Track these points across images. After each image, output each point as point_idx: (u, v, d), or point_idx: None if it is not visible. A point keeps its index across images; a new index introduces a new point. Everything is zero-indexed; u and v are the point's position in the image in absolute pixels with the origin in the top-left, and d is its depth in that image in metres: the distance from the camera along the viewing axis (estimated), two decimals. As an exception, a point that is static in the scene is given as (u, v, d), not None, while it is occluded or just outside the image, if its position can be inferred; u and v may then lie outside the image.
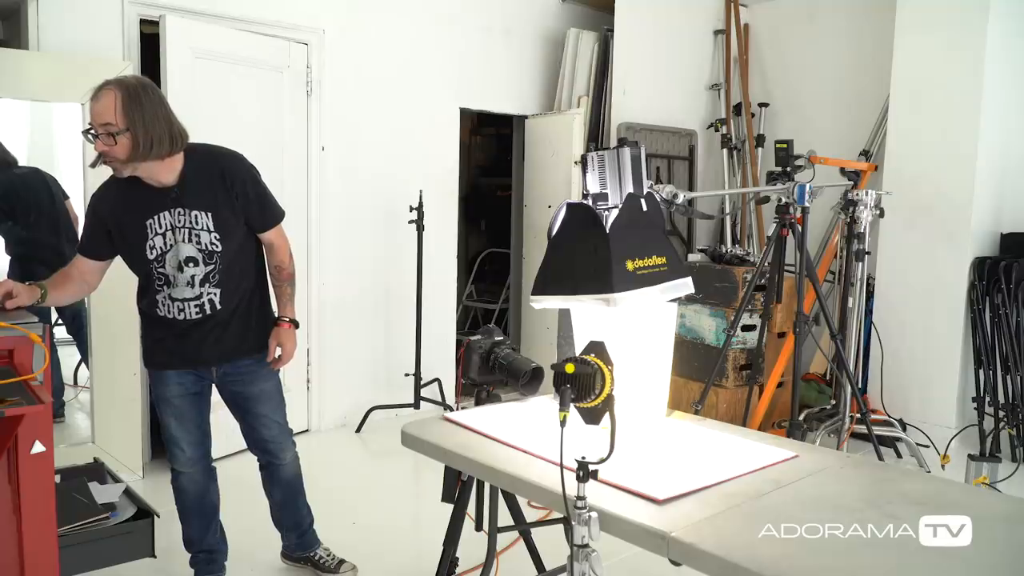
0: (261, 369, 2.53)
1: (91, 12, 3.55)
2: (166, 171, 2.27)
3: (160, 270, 2.33)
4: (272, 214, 2.47)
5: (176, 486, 2.64)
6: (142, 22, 3.71)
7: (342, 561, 2.83)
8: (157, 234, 2.30)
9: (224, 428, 3.97)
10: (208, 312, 2.37)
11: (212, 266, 2.34)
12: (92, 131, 2.18)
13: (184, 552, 2.76)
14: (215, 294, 2.37)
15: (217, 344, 2.43)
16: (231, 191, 2.35)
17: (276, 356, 2.52)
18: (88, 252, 2.38)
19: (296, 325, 2.55)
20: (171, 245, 2.31)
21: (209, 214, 2.32)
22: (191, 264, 2.32)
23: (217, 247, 2.34)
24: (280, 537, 2.88)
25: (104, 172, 2.33)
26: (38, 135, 4.02)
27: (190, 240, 2.31)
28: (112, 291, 3.51)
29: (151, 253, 2.31)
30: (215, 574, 2.71)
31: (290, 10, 4.17)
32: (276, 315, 2.54)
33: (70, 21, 3.49)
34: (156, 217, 2.29)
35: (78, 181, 3.54)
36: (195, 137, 3.76)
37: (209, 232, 2.32)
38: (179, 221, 2.30)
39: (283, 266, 2.53)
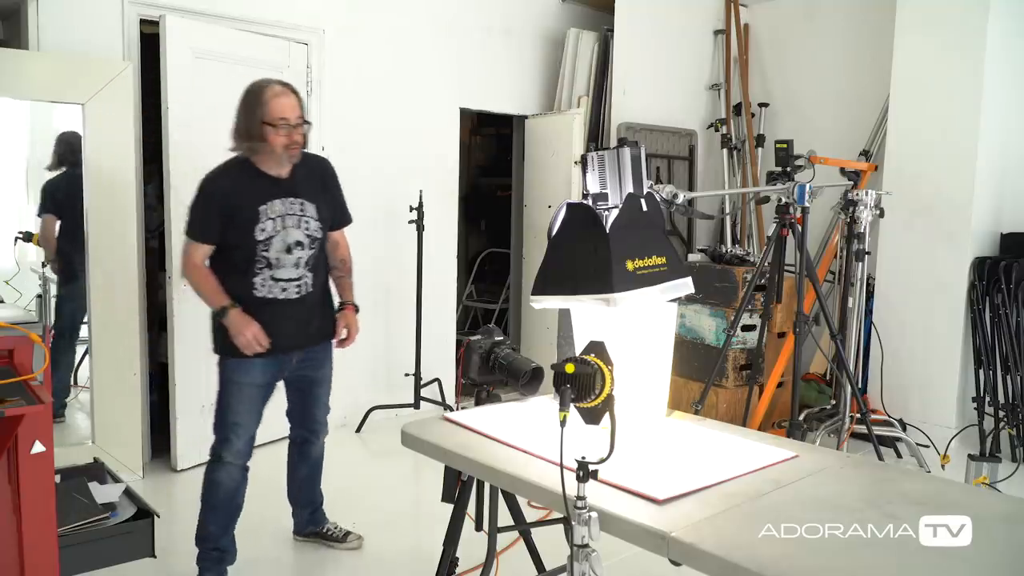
0: (326, 354, 2.79)
1: (91, 12, 3.55)
2: (287, 164, 2.55)
3: (264, 252, 2.53)
4: (347, 215, 2.83)
5: (211, 478, 2.65)
6: (142, 22, 3.71)
7: (348, 532, 2.99)
8: (268, 219, 2.52)
9: (224, 428, 3.97)
10: (303, 293, 2.61)
11: (311, 251, 2.60)
12: (291, 122, 2.47)
13: (185, 552, 2.76)
14: (309, 278, 2.62)
15: (306, 328, 2.66)
16: (327, 189, 2.69)
17: (344, 336, 2.76)
18: (209, 238, 2.54)
19: (357, 310, 2.81)
20: (279, 230, 2.53)
21: (314, 205, 2.61)
22: (298, 248, 2.56)
23: (318, 235, 2.62)
24: (292, 515, 2.99)
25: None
26: (38, 135, 4.02)
27: (299, 226, 2.56)
28: (112, 290, 3.53)
29: (260, 235, 2.51)
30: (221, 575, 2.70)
31: (290, 10, 4.17)
32: (341, 300, 2.80)
33: (70, 21, 3.49)
34: (269, 203, 2.52)
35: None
36: (195, 136, 3.77)
37: (315, 220, 2.61)
38: (290, 209, 2.55)
39: (347, 260, 2.84)
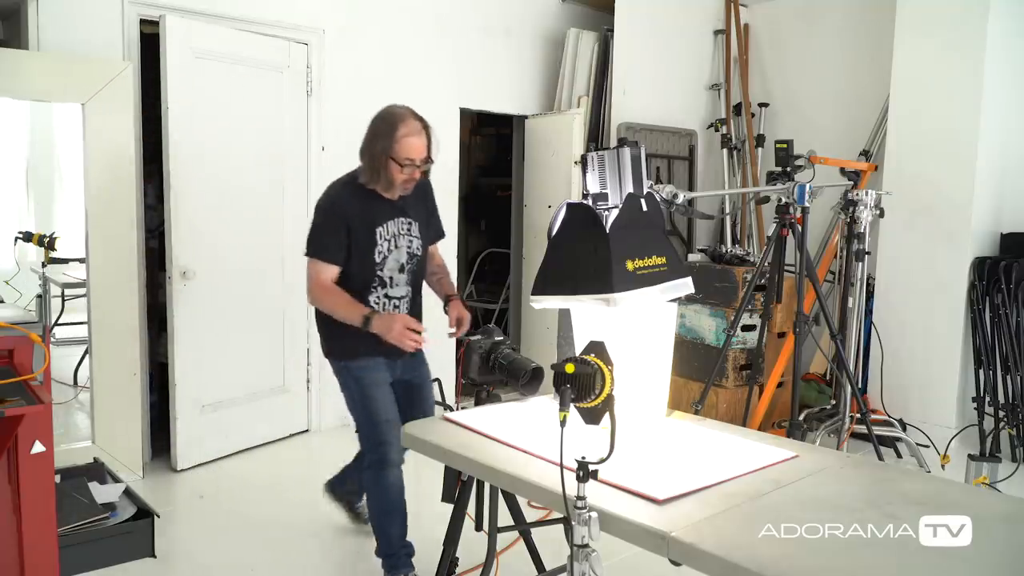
0: (420, 357, 2.80)
1: (91, 12, 3.54)
2: (400, 193, 2.60)
3: (379, 273, 2.58)
4: (442, 230, 2.87)
5: (383, 486, 2.58)
6: (142, 22, 3.71)
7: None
8: (384, 239, 2.57)
9: (224, 428, 3.98)
10: (408, 308, 2.67)
11: (412, 266, 2.65)
12: (416, 163, 2.50)
13: (185, 552, 2.76)
14: (410, 291, 2.68)
15: None
16: (426, 205, 2.73)
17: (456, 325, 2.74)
18: (338, 259, 2.52)
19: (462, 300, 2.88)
20: (392, 250, 2.59)
21: (417, 224, 2.66)
22: (406, 266, 2.63)
23: (419, 252, 2.67)
24: (336, 474, 3.02)
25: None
26: (38, 135, 4.02)
27: (407, 245, 2.63)
28: (112, 290, 3.53)
29: (378, 256, 2.56)
30: (412, 568, 2.66)
31: (290, 10, 4.17)
32: (446, 294, 2.80)
33: (70, 21, 3.49)
34: (384, 225, 2.57)
35: (78, 181, 3.53)
36: (196, 136, 3.77)
37: (418, 238, 2.66)
38: (400, 228, 2.61)
39: (443, 264, 2.90)
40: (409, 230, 2.63)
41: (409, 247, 2.63)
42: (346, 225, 2.50)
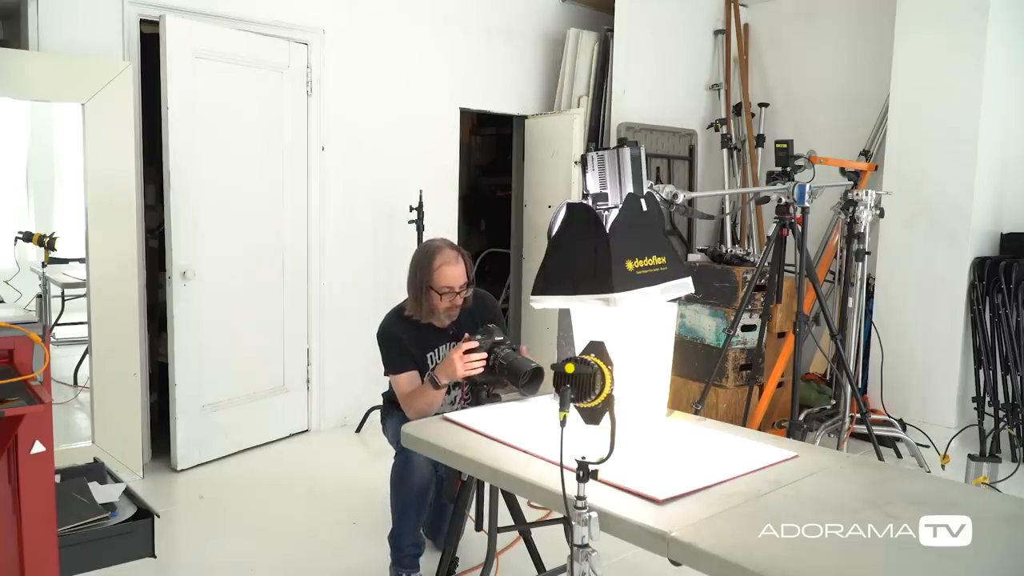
0: None
1: (91, 12, 3.55)
2: (447, 320, 2.67)
3: None
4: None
5: (406, 480, 2.64)
6: (142, 22, 3.71)
7: None
8: (435, 362, 2.64)
9: (224, 428, 3.98)
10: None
11: (467, 386, 2.63)
12: (455, 290, 2.57)
13: (185, 552, 2.76)
14: (462, 405, 2.67)
15: None
16: (486, 320, 2.67)
17: None
18: (407, 367, 2.64)
19: None
20: None
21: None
22: (456, 387, 2.65)
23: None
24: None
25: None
26: (38, 135, 4.02)
27: None
28: (112, 290, 3.53)
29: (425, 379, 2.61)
30: (418, 569, 2.72)
31: (290, 10, 4.17)
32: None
33: (70, 21, 3.49)
34: (436, 350, 2.66)
35: (78, 181, 3.53)
36: (196, 136, 3.77)
37: None
38: None
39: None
40: None
41: None
42: (402, 344, 2.63)
